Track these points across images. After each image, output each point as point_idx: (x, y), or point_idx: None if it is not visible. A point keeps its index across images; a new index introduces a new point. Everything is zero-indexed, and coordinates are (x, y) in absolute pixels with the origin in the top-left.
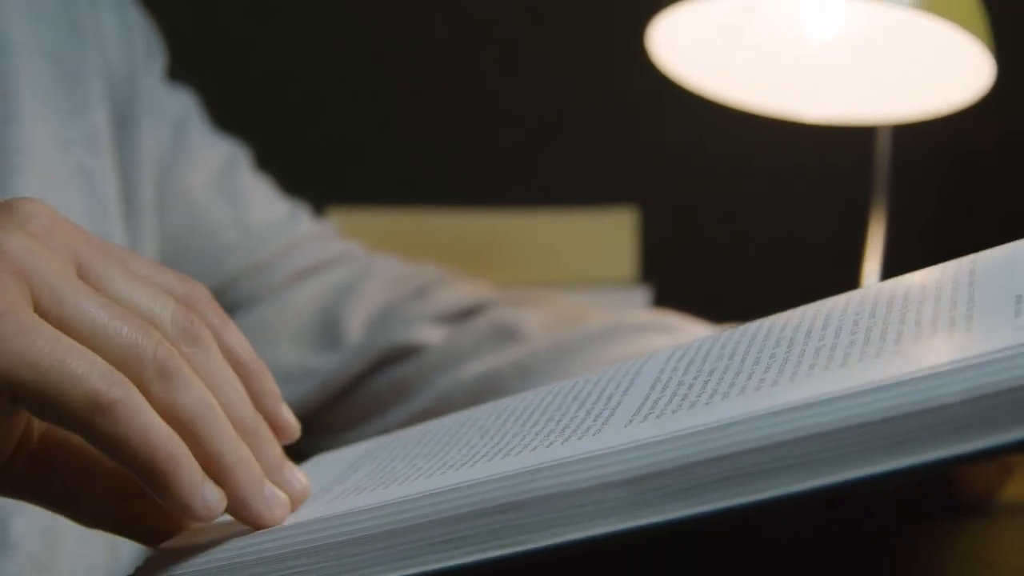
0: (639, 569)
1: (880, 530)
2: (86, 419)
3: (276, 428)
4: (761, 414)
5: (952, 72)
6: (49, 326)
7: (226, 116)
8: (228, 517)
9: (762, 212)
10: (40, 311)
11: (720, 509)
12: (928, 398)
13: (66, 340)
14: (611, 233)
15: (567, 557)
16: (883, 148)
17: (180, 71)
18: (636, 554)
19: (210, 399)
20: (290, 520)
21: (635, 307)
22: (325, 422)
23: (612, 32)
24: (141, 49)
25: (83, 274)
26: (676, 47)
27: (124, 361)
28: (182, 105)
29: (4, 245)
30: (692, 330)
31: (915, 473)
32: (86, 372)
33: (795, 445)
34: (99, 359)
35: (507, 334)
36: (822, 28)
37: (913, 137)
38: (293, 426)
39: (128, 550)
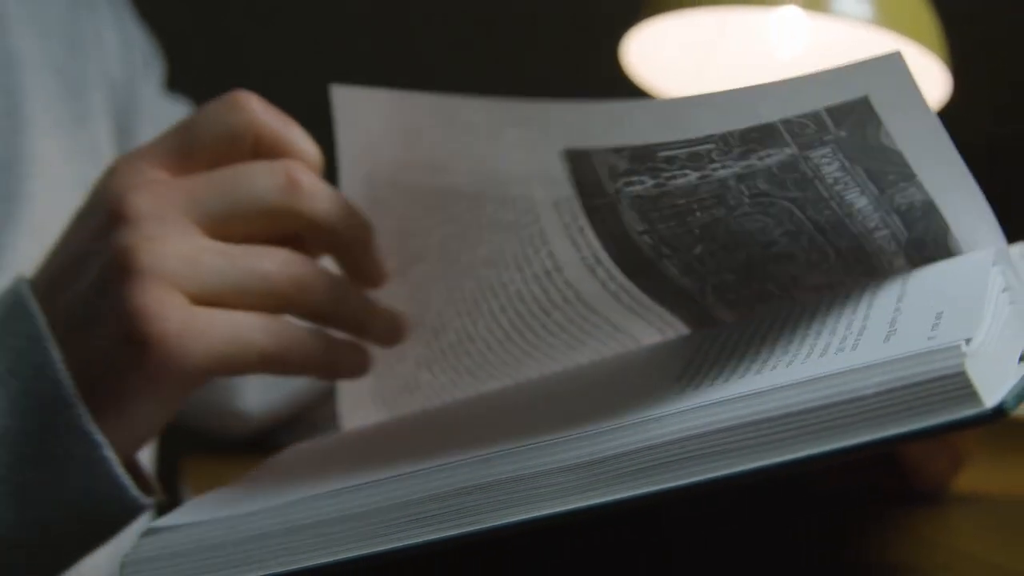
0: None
1: (840, 516)
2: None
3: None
4: (712, 402)
5: None
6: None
7: None
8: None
9: None
10: (192, 296)
11: (679, 486)
12: (849, 390)
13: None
14: None
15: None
16: None
17: (176, 78)
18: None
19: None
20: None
21: None
22: (312, 421)
23: (598, 45)
24: (140, 62)
25: (200, 220)
26: (651, 61)
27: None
28: (179, 115)
29: (131, 254)
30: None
31: (840, 455)
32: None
33: (737, 431)
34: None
35: None
36: (788, 44)
37: None
38: None
39: None
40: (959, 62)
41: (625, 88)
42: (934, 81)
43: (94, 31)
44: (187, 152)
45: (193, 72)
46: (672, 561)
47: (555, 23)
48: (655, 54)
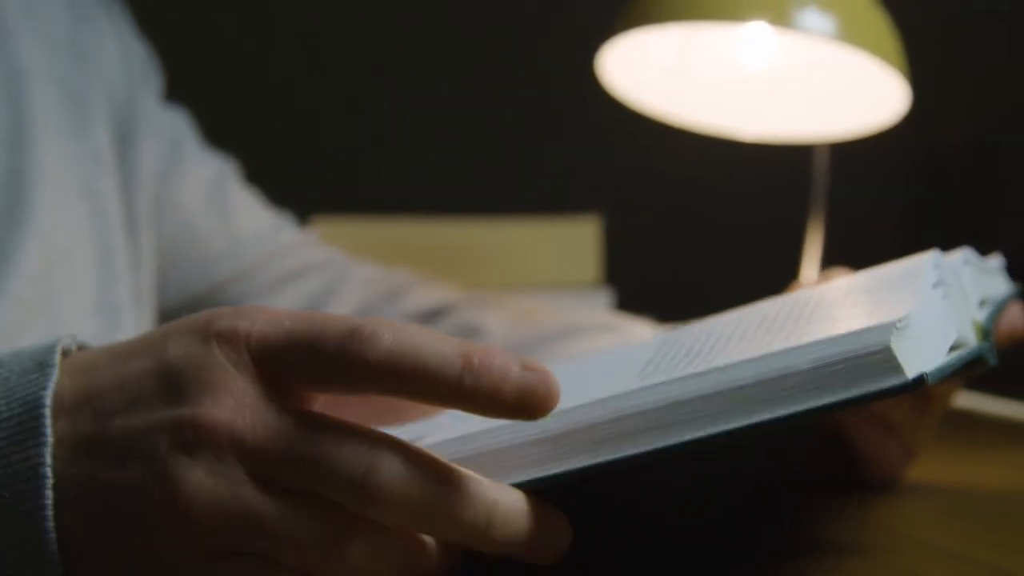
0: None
1: (795, 502)
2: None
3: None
4: (667, 381)
5: (873, 95)
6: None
7: (218, 131)
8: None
9: (713, 222)
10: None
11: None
12: (786, 366)
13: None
14: (576, 240)
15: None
16: (820, 163)
17: (175, 88)
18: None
19: None
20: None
21: (598, 308)
22: None
23: (580, 57)
24: (139, 73)
25: (259, 479)
26: (626, 73)
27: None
28: (177, 124)
29: (178, 485)
30: (637, 331)
31: (778, 424)
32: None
33: (686, 404)
34: None
35: (471, 333)
36: (755, 57)
37: (850, 151)
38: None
39: None
40: (920, 72)
41: (601, 99)
42: (893, 94)
43: (96, 45)
44: (290, 365)
45: (188, 82)
46: (642, 539)
47: (532, 36)
48: (630, 66)
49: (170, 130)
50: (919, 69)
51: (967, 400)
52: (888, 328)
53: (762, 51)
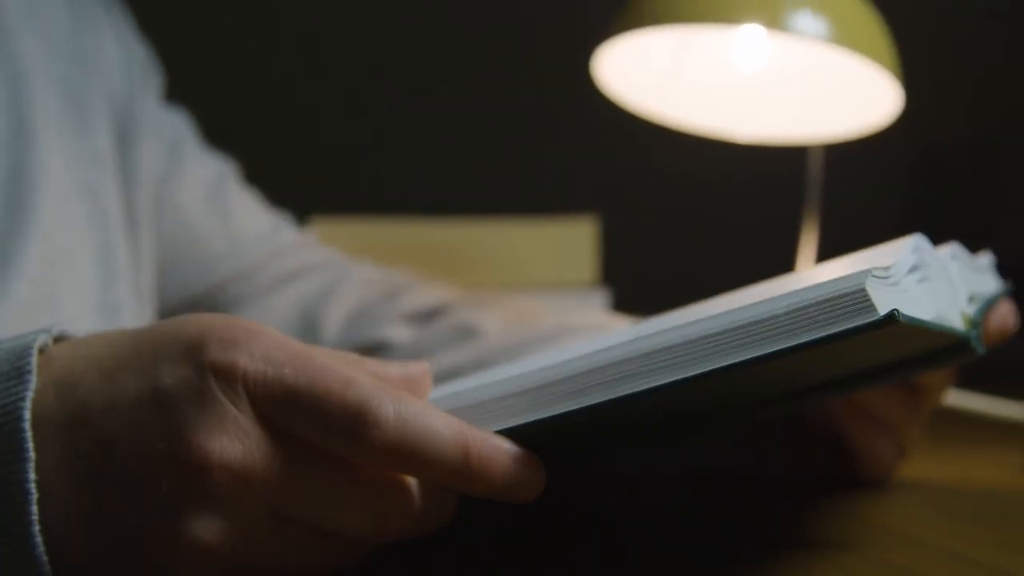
0: None
1: (791, 499)
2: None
3: None
4: (652, 332)
5: (866, 97)
6: None
7: (217, 131)
8: None
9: (710, 222)
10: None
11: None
12: (765, 311)
13: None
14: (573, 240)
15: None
16: (815, 164)
17: (174, 88)
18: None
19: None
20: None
21: (595, 309)
22: None
23: (577, 59)
24: (140, 74)
25: (273, 511)
26: (622, 75)
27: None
28: (177, 125)
29: (183, 533)
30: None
31: (756, 363)
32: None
33: (667, 351)
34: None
35: (467, 333)
36: (749, 59)
37: (844, 153)
38: None
39: None
40: (914, 74)
41: (598, 101)
42: (887, 95)
43: (96, 46)
44: (289, 424)
45: (187, 84)
46: (626, 538)
47: (529, 38)
48: (626, 69)
49: (170, 131)
50: (917, 70)
51: (958, 399)
52: (864, 274)
53: (756, 53)
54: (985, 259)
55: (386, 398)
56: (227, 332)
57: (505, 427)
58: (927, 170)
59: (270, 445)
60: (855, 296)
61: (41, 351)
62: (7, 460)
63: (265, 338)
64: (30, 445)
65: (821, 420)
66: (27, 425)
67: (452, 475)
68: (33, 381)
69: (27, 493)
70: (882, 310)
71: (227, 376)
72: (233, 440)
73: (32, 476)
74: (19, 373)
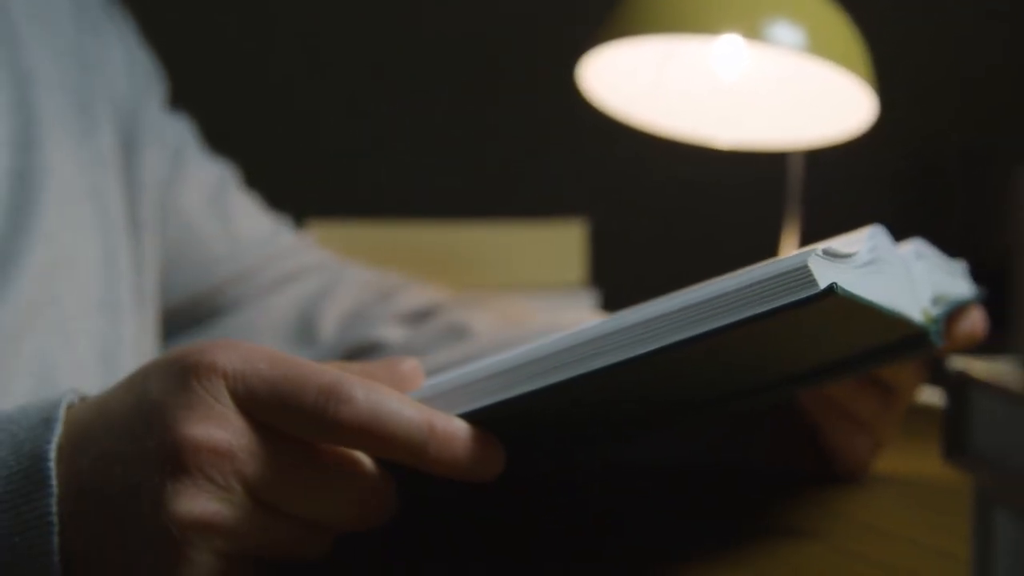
0: None
1: (767, 492)
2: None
3: None
4: (614, 317)
5: (843, 104)
6: None
7: (216, 135)
8: None
9: (696, 225)
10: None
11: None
12: (715, 290)
13: None
14: (563, 242)
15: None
16: (795, 169)
17: (174, 92)
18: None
19: None
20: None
21: (583, 309)
22: None
23: (567, 66)
24: (143, 81)
25: (259, 498)
26: (607, 83)
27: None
28: (180, 131)
29: (177, 515)
30: None
31: (709, 336)
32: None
33: (627, 330)
34: None
35: (459, 333)
36: (730, 68)
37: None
38: None
39: None
40: (889, 86)
41: (587, 107)
42: (863, 103)
43: (102, 53)
44: (269, 417)
45: (189, 84)
46: (608, 531)
47: (521, 45)
48: (611, 77)
49: (173, 137)
50: (907, 74)
51: (931, 396)
52: (808, 253)
53: (736, 62)
54: (960, 265)
55: (356, 381)
56: (207, 343)
57: (469, 410)
58: (922, 173)
59: (253, 433)
60: (799, 272)
61: (68, 407)
62: (34, 497)
63: (242, 345)
64: (53, 481)
65: (799, 417)
66: (52, 464)
67: (417, 453)
68: (59, 429)
69: (50, 525)
70: (823, 284)
71: (208, 375)
72: (218, 428)
73: (55, 509)
74: (47, 423)
